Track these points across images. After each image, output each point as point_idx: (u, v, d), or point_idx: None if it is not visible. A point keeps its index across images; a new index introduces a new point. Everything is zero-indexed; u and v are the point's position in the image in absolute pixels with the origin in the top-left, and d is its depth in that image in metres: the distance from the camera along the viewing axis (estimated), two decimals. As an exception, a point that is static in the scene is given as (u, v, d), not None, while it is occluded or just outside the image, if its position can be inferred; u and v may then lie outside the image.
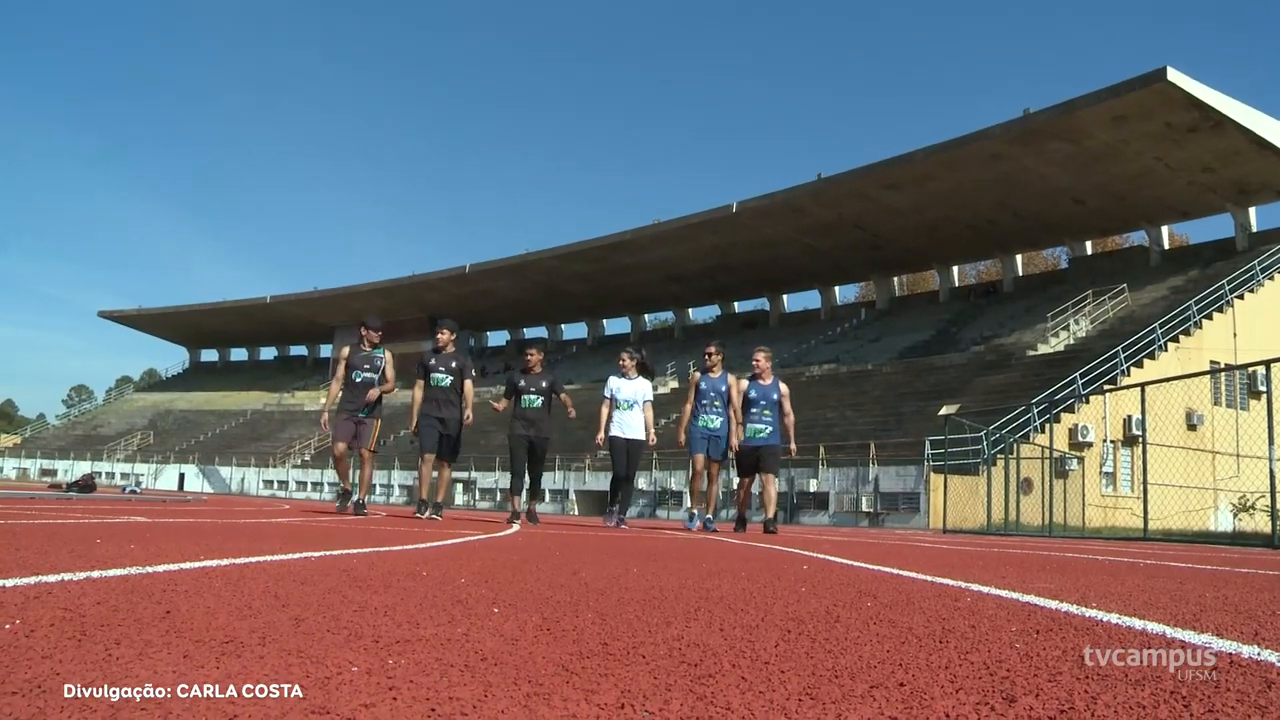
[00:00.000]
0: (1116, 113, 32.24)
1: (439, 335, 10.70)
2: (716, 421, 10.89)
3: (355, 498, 10.62)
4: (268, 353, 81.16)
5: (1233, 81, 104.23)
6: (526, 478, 10.96)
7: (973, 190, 38.90)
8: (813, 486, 30.74)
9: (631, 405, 11.02)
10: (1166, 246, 41.74)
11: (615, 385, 11.23)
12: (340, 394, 10.78)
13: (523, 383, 10.95)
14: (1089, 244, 44.78)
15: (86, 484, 18.01)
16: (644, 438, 11.00)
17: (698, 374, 11.20)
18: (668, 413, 34.21)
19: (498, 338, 71.21)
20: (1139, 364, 29.25)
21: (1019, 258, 46.93)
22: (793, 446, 11.07)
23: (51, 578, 2.06)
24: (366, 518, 9.61)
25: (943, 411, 27.63)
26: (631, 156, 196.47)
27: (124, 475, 54.77)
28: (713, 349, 11.20)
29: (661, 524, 8.33)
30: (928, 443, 26.64)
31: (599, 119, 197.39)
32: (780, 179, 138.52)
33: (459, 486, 45.68)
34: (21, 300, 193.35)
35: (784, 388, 11.07)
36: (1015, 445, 22.95)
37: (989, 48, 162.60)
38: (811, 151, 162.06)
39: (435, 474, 10.76)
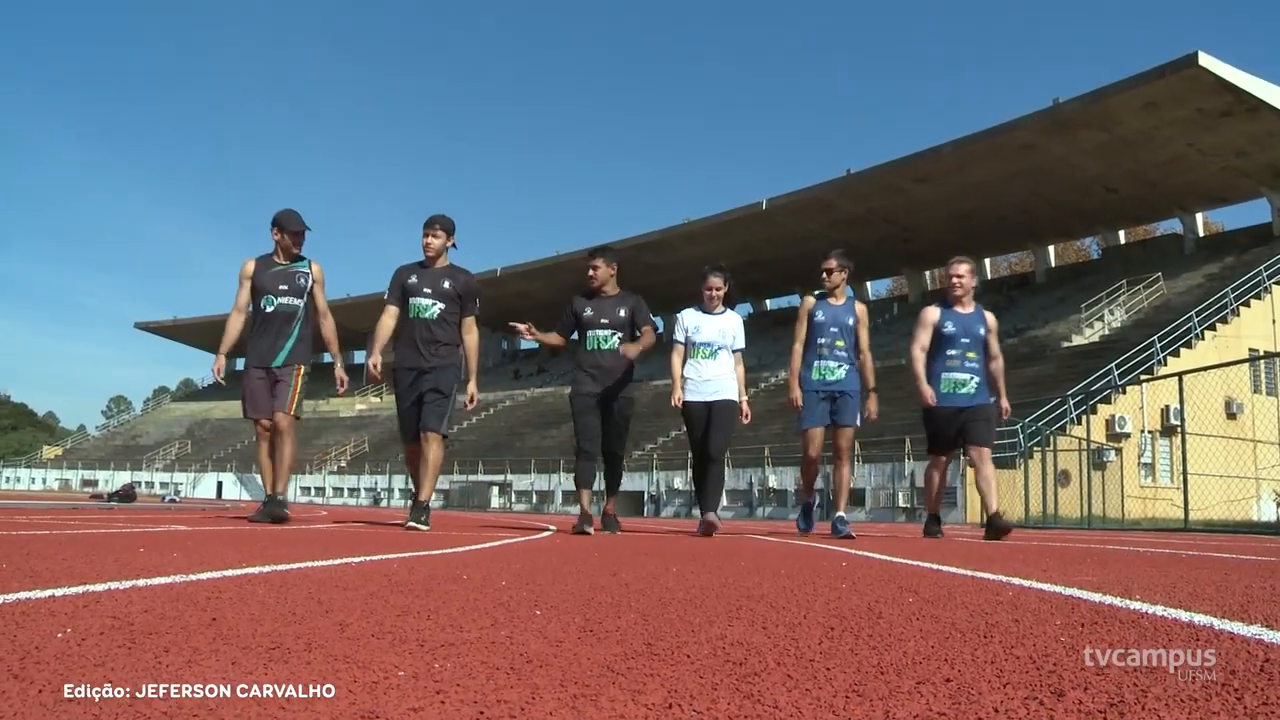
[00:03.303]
0: (1147, 99, 31.98)
1: (426, 240, 7.15)
2: (840, 370, 7.80)
3: (271, 493, 7.32)
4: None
5: (1267, 65, 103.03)
6: (600, 461, 7.68)
7: (1004, 181, 38.65)
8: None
9: (715, 352, 7.60)
10: (1201, 234, 41.30)
11: (692, 322, 7.69)
12: (249, 327, 7.38)
13: (589, 311, 7.51)
14: (1122, 233, 44.39)
15: (127, 494, 18.21)
16: (733, 398, 7.58)
17: (811, 299, 8.04)
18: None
19: (530, 341, 71.27)
20: (1176, 353, 29.00)
21: (1051, 249, 46.59)
22: (1005, 404, 7.90)
23: (99, 586, 2.09)
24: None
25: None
26: (661, 156, 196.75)
27: (163, 484, 55.46)
28: (833, 261, 7.94)
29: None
30: (964, 437, 26.46)
31: (628, 119, 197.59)
32: (810, 175, 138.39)
33: (494, 490, 45.75)
34: (60, 312, 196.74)
35: (991, 319, 7.91)
36: (1052, 437, 22.79)
37: (1017, 38, 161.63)
38: (840, 147, 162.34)
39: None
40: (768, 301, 57.27)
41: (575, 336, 7.77)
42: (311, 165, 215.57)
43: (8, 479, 70.60)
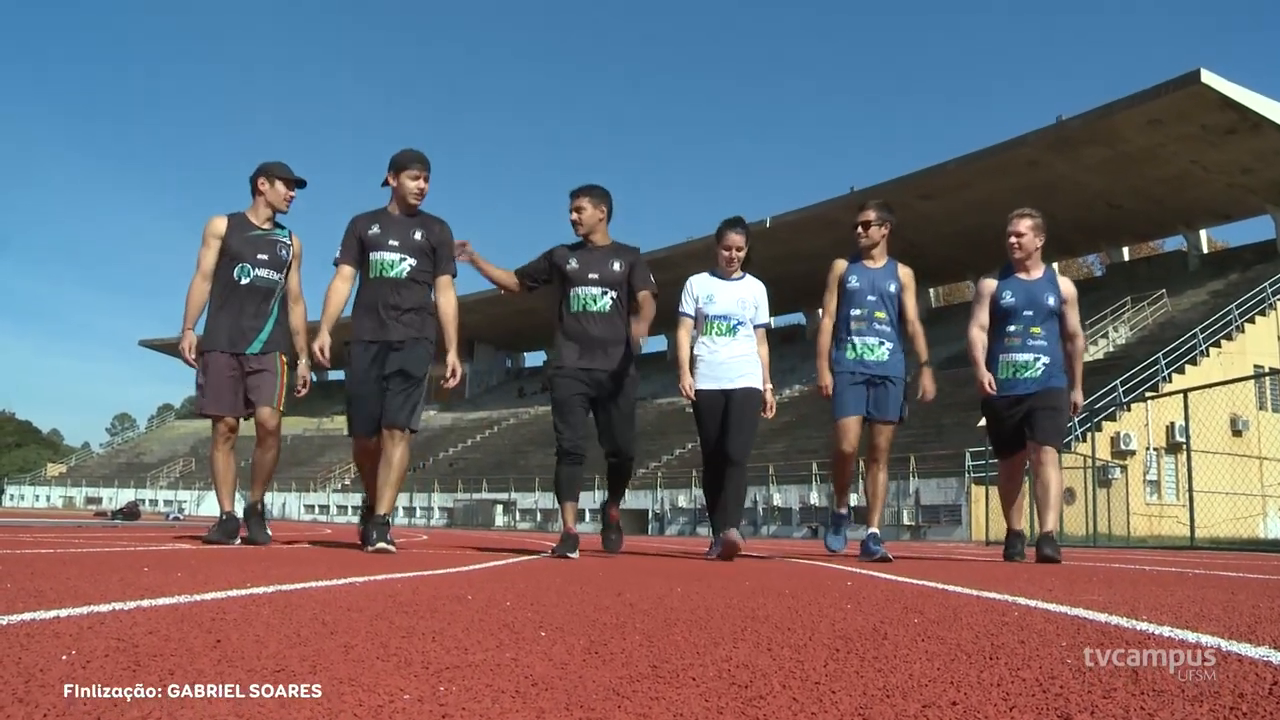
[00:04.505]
0: (1151, 116, 32.07)
1: (418, 184, 5.71)
2: (882, 349, 6.37)
3: (249, 502, 6.16)
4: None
5: (1270, 81, 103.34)
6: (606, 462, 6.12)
7: (1008, 198, 38.47)
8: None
9: (734, 327, 6.14)
10: (1205, 250, 41.34)
11: (704, 289, 6.24)
12: (211, 302, 5.97)
13: (573, 264, 5.96)
14: (1126, 250, 44.45)
15: (131, 511, 18.22)
16: (757, 384, 6.07)
17: (843, 262, 6.68)
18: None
19: (535, 358, 71.42)
20: (1181, 370, 29.00)
21: (1055, 265, 46.62)
22: (1078, 396, 6.43)
23: (103, 607, 2.08)
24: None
25: (982, 423, 27.46)
26: (664, 174, 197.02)
27: (167, 502, 55.51)
28: (872, 213, 6.64)
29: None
30: (968, 454, 26.44)
31: (630, 136, 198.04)
32: (814, 193, 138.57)
33: (498, 509, 45.68)
34: (64, 330, 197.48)
35: (1067, 287, 6.52)
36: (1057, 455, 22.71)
37: (1021, 55, 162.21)
38: (844, 164, 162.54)
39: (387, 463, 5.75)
40: (772, 320, 57.28)
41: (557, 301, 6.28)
42: (319, 181, 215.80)
43: (12, 496, 70.68)
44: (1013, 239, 6.48)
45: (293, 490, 55.76)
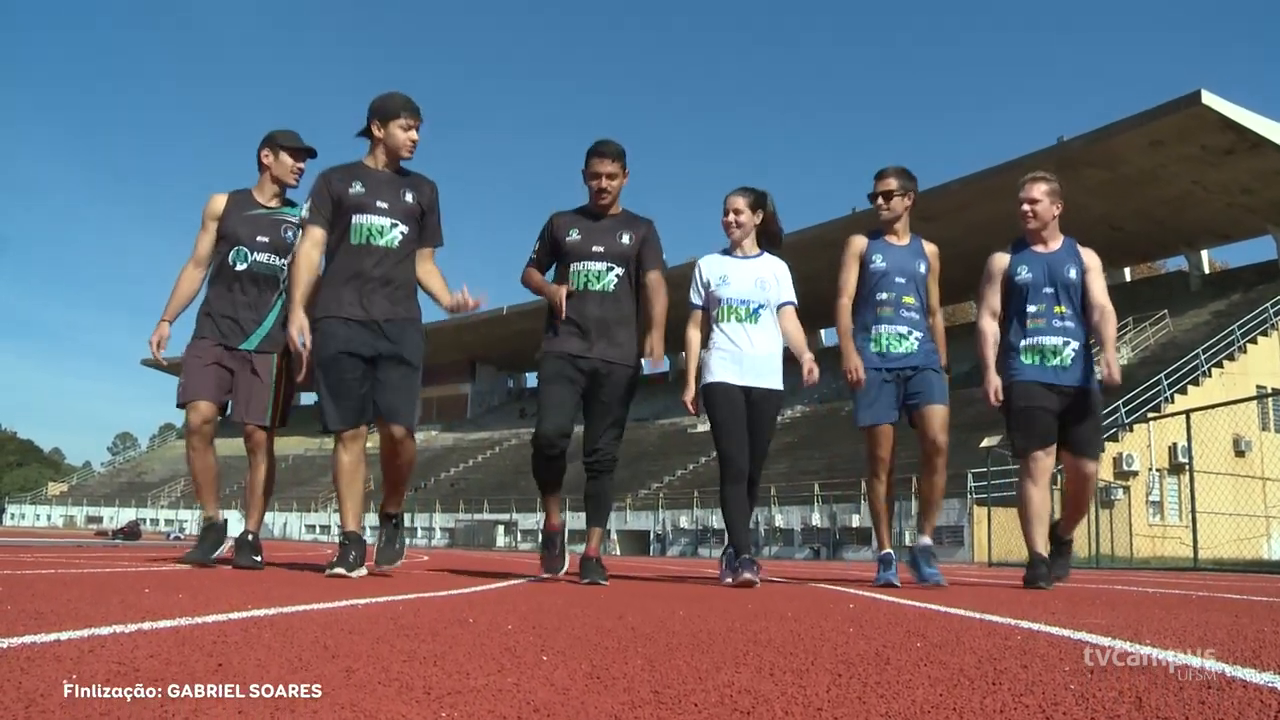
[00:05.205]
0: (1152, 137, 32.15)
1: (409, 133, 4.73)
2: (911, 339, 5.46)
3: (242, 531, 5.47)
4: (308, 397, 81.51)
5: (1270, 102, 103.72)
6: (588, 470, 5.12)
7: (1009, 219, 38.28)
8: (855, 521, 30.48)
9: (755, 312, 5.21)
10: (1207, 271, 41.42)
11: (715, 271, 5.31)
12: (205, 290, 5.31)
13: (575, 234, 5.09)
14: (1127, 271, 44.50)
15: (132, 531, 18.23)
16: (778, 386, 5.20)
17: (861, 238, 5.76)
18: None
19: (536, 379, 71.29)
20: (1183, 390, 29.00)
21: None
22: (1111, 358, 5.22)
23: (104, 630, 2.08)
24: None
25: (984, 443, 27.39)
26: (667, 194, 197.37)
27: (168, 521, 55.40)
28: (893, 181, 5.63)
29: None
30: (970, 475, 26.39)
31: (633, 156, 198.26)
32: (816, 213, 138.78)
33: (499, 529, 45.54)
34: (67, 349, 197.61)
35: (1090, 256, 5.58)
36: (1058, 475, 22.66)
37: (1022, 76, 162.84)
38: (845, 184, 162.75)
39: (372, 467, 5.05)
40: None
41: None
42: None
43: (13, 516, 70.62)
44: (1026, 206, 5.63)
45: (294, 510, 55.66)
